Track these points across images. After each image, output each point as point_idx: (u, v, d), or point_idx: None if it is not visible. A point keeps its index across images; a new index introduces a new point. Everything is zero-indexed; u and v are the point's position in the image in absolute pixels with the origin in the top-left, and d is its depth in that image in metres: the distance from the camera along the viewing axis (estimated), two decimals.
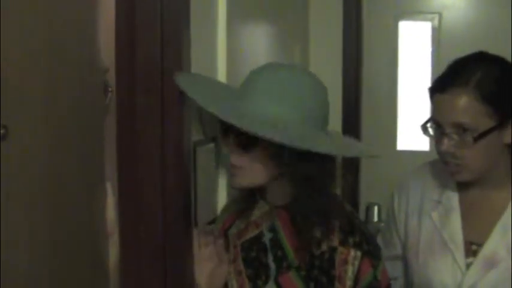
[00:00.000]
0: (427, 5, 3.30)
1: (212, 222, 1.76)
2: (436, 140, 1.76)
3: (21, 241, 1.20)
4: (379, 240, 2.06)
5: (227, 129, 1.51)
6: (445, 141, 1.71)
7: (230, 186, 1.63)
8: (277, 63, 1.62)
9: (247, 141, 1.49)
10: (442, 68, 1.82)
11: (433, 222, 1.85)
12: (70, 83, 1.34)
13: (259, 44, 2.15)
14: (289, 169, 1.50)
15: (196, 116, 1.61)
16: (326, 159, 1.51)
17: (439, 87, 1.74)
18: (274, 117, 1.45)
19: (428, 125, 1.79)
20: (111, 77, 1.48)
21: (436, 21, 3.26)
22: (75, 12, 1.39)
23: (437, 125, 1.74)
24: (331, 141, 1.55)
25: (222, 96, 1.55)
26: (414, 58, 3.30)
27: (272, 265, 1.58)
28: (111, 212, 1.55)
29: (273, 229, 1.60)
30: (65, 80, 1.33)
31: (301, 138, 1.44)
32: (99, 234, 1.48)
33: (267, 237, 1.60)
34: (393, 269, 1.96)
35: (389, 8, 3.30)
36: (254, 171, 1.53)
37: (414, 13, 3.31)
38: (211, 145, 1.72)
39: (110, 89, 1.56)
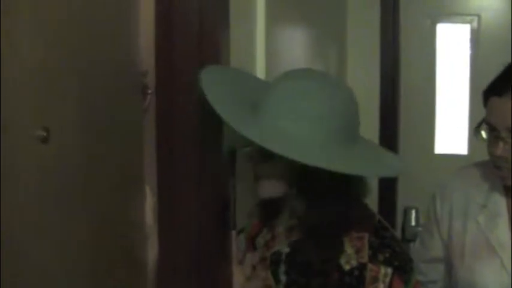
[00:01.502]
0: (465, 7, 3.26)
1: (241, 231, 1.75)
2: (489, 144, 1.72)
3: (61, 243, 1.21)
4: (418, 243, 2.04)
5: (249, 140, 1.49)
6: (500, 145, 1.68)
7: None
8: (297, 71, 1.57)
9: (264, 153, 1.47)
10: (481, 70, 1.80)
11: (479, 226, 1.82)
12: (107, 85, 1.34)
13: (297, 45, 2.14)
14: (301, 183, 1.48)
15: None
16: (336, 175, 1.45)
17: (496, 91, 1.70)
18: (291, 131, 1.42)
19: (481, 128, 1.76)
20: (151, 80, 1.48)
21: (475, 23, 3.22)
22: (113, 14, 1.40)
23: (491, 128, 1.71)
24: (356, 157, 1.49)
25: (243, 103, 1.50)
26: (452, 61, 3.27)
27: (283, 278, 1.55)
28: (149, 215, 1.55)
29: (298, 242, 1.58)
30: (102, 82, 1.33)
31: (322, 156, 1.41)
32: (137, 236, 1.48)
33: (285, 250, 1.58)
34: (433, 272, 1.94)
35: (427, 11, 3.26)
36: (272, 182, 1.52)
37: (452, 15, 3.27)
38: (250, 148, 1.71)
39: (149, 91, 1.56)
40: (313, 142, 1.42)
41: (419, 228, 2.69)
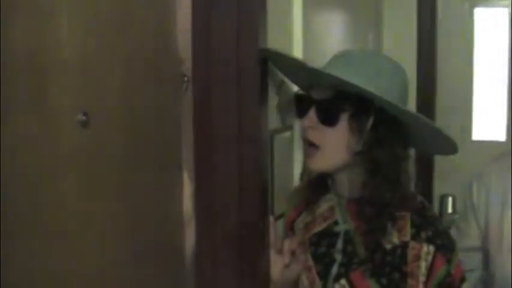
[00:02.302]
0: None
1: (280, 217, 1.73)
2: None
3: (101, 229, 1.20)
4: (454, 231, 2.01)
5: (309, 104, 1.47)
6: None
7: (306, 169, 1.58)
8: (357, 48, 1.59)
9: (330, 115, 1.45)
10: None
11: None
12: (147, 71, 1.34)
13: (334, 30, 2.12)
14: (368, 151, 1.46)
15: (274, 103, 1.59)
16: (401, 147, 1.48)
17: None
18: (373, 83, 1.42)
19: None
20: (187, 68, 1.47)
21: None
22: (152, 2, 1.39)
23: None
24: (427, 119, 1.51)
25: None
26: (490, 45, 3.21)
27: (338, 257, 1.54)
28: (187, 202, 1.54)
29: (345, 222, 1.57)
30: (142, 68, 1.32)
31: (411, 111, 1.44)
32: (176, 223, 1.47)
33: (342, 227, 1.56)
34: (470, 261, 1.92)
35: None
36: (333, 150, 1.48)
37: None
38: (288, 133, 1.70)
39: (186, 79, 1.55)
40: (394, 98, 1.43)
41: (456, 216, 2.66)
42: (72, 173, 1.12)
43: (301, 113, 1.49)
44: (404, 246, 1.47)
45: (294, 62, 1.37)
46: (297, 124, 1.55)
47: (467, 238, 1.95)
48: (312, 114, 1.47)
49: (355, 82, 1.38)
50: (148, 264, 1.35)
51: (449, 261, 1.47)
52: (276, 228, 1.57)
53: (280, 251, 1.54)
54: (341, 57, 1.50)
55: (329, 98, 1.43)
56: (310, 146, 1.49)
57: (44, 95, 1.07)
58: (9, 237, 1.03)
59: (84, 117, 1.12)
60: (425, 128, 1.50)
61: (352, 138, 1.45)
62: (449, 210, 3.04)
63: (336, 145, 1.48)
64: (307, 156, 1.51)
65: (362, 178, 1.50)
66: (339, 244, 1.55)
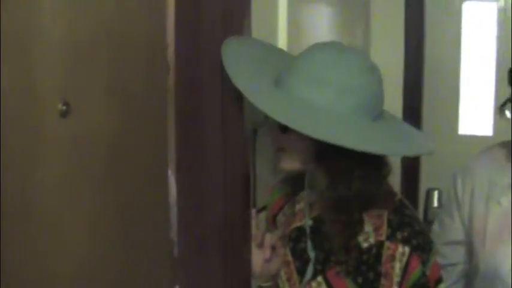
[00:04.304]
0: None
1: (262, 209, 1.73)
2: None
3: (86, 221, 1.19)
4: (437, 225, 2.01)
5: None
6: None
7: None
8: (325, 43, 1.54)
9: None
10: (508, 50, 1.76)
11: (502, 208, 1.79)
12: (137, 62, 1.32)
13: (320, 20, 2.11)
14: (325, 157, 1.46)
15: None
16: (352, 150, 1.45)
17: None
18: (314, 103, 1.39)
19: (506, 107, 1.72)
20: (171, 55, 1.46)
21: (501, 1, 3.16)
22: None
23: None
24: (378, 135, 1.47)
25: (265, 76, 1.47)
26: (478, 40, 3.21)
27: (312, 255, 1.53)
28: (173, 194, 1.53)
29: (319, 219, 1.56)
30: (132, 58, 1.30)
31: (339, 131, 1.39)
32: (165, 215, 1.45)
33: (308, 224, 1.55)
34: (453, 255, 1.92)
35: None
36: (293, 154, 1.50)
37: None
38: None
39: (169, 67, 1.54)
40: (334, 115, 1.39)
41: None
42: (52, 162, 1.11)
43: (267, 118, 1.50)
44: (379, 245, 1.46)
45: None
46: None
47: (450, 232, 1.95)
48: (271, 121, 1.48)
49: (308, 97, 1.40)
50: (138, 256, 1.34)
51: (424, 263, 1.46)
52: (257, 221, 1.56)
53: (261, 245, 1.54)
54: (297, 63, 1.46)
55: None
56: (276, 149, 1.53)
57: (26, 80, 1.05)
58: None
59: (64, 107, 1.11)
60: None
61: (306, 142, 1.44)
62: (435, 204, 3.03)
63: (295, 148, 1.50)
64: (275, 157, 1.55)
65: (325, 178, 1.50)
66: (308, 242, 1.54)
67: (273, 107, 1.37)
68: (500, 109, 1.74)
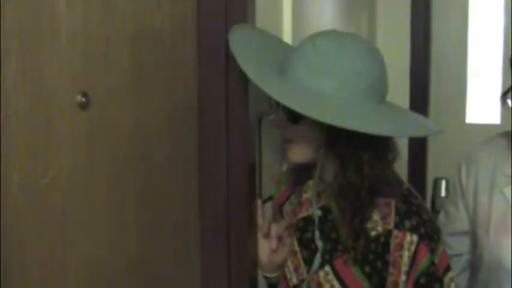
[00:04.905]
0: None
1: (269, 199, 1.73)
2: None
3: (104, 218, 1.19)
4: (443, 215, 2.00)
5: (278, 102, 1.47)
6: None
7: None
8: (329, 31, 1.54)
9: (292, 114, 1.44)
10: None
11: (506, 198, 1.78)
12: (157, 52, 1.31)
13: (326, 13, 2.10)
14: (331, 145, 1.46)
15: None
16: (374, 138, 1.44)
17: None
18: (320, 91, 1.39)
19: (508, 96, 1.72)
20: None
21: None
22: None
23: None
24: (385, 117, 1.47)
25: (270, 65, 1.48)
26: (485, 29, 3.19)
27: (320, 244, 1.53)
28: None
29: (326, 208, 1.56)
30: (151, 48, 1.29)
31: (346, 116, 1.38)
32: (185, 205, 1.45)
33: (316, 214, 1.55)
34: (458, 245, 1.91)
35: None
36: (303, 145, 1.50)
37: None
38: None
39: None
40: (340, 101, 1.39)
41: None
42: (69, 156, 1.10)
43: (274, 110, 1.51)
44: (387, 234, 1.46)
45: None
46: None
47: (455, 222, 1.94)
48: (280, 112, 1.49)
49: (313, 86, 1.39)
50: (158, 253, 1.34)
51: (432, 251, 1.45)
52: (263, 211, 1.56)
53: (267, 235, 1.54)
54: (300, 51, 1.45)
55: None
56: (285, 140, 1.52)
57: (38, 74, 1.04)
58: (5, 225, 1.00)
59: (83, 99, 1.10)
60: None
61: (317, 132, 1.45)
62: (443, 193, 3.02)
63: (305, 139, 1.50)
64: (284, 149, 1.55)
65: (335, 166, 1.50)
66: (316, 232, 1.54)
67: (284, 95, 1.37)
68: (501, 98, 1.73)
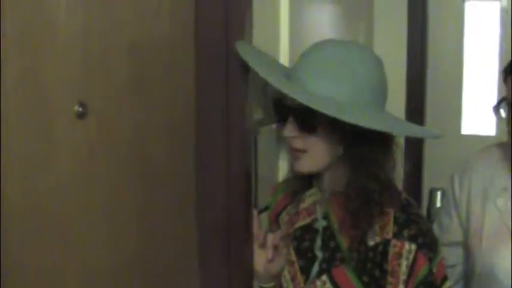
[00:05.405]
0: None
1: (265, 209, 1.72)
2: (508, 122, 1.69)
3: (105, 221, 1.18)
4: (436, 226, 2.00)
5: (286, 112, 1.46)
6: None
7: (293, 171, 1.57)
8: (330, 39, 1.55)
9: (307, 124, 1.44)
10: (510, 49, 1.75)
11: (499, 209, 1.78)
12: (157, 61, 1.30)
13: (323, 22, 2.10)
14: (350, 150, 1.46)
15: (259, 94, 1.57)
16: (386, 142, 1.47)
17: None
18: (335, 96, 1.40)
19: (501, 106, 1.72)
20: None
21: (504, 1, 3.15)
22: None
23: (510, 106, 1.67)
24: (395, 121, 1.50)
25: (280, 74, 1.49)
26: (481, 40, 3.20)
27: (319, 254, 1.53)
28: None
29: (326, 217, 1.56)
30: (152, 57, 1.28)
31: (373, 119, 1.41)
32: (183, 214, 1.44)
33: (321, 224, 1.55)
34: (451, 256, 1.91)
35: None
36: (318, 153, 1.48)
37: None
38: (273, 125, 1.68)
39: None
40: (357, 107, 1.41)
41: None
42: (67, 165, 1.09)
43: (281, 121, 1.50)
44: (386, 243, 1.46)
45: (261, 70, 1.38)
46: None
47: (449, 233, 1.94)
48: (290, 123, 1.47)
49: (327, 93, 1.40)
50: (157, 259, 1.33)
51: (431, 260, 1.46)
52: (259, 221, 1.56)
53: (263, 245, 1.53)
54: (311, 58, 1.46)
55: (303, 105, 1.39)
56: (295, 150, 1.50)
57: (37, 83, 1.03)
58: (5, 231, 1.00)
59: (80, 109, 1.09)
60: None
61: (335, 141, 1.46)
62: (438, 204, 3.02)
63: (320, 149, 1.48)
64: (293, 159, 1.52)
65: (347, 174, 1.50)
66: (318, 241, 1.54)
67: (322, 104, 1.36)
68: (494, 108, 1.74)
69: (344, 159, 1.49)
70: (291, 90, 1.36)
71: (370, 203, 1.47)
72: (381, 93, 1.48)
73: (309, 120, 1.42)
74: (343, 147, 1.47)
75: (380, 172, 1.48)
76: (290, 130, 1.48)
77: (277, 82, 1.35)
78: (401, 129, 1.54)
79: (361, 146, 1.45)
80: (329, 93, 1.40)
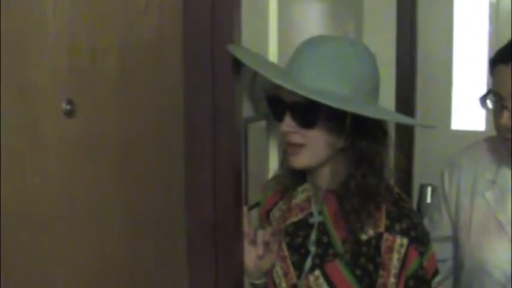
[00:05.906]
0: None
1: (255, 206, 1.73)
2: (495, 114, 1.70)
3: (93, 220, 1.19)
4: (427, 221, 2.02)
5: (283, 108, 1.47)
6: (505, 114, 1.65)
7: (288, 166, 1.57)
8: (322, 35, 1.57)
9: (306, 119, 1.45)
10: (499, 45, 1.76)
11: (487, 202, 1.79)
12: (146, 59, 1.31)
13: (312, 21, 2.11)
14: (350, 144, 1.48)
15: (247, 91, 1.58)
16: (380, 137, 1.49)
17: (503, 59, 1.67)
18: (334, 91, 1.41)
19: (488, 98, 1.73)
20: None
21: None
22: None
23: (497, 97, 1.68)
24: (390, 111, 1.53)
25: (280, 71, 1.51)
26: (470, 35, 3.21)
27: (313, 249, 1.54)
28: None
29: (320, 213, 1.57)
30: (140, 55, 1.29)
31: (379, 111, 1.46)
32: (171, 212, 1.45)
33: (316, 219, 1.56)
34: (442, 251, 1.92)
35: None
36: (317, 148, 1.48)
37: None
38: (263, 122, 1.69)
39: None
40: (355, 99, 1.43)
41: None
42: (54, 163, 1.09)
43: (277, 117, 1.49)
44: (378, 237, 1.47)
45: (258, 64, 1.39)
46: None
47: (439, 228, 1.95)
48: (288, 119, 1.47)
49: (325, 88, 1.41)
50: (145, 257, 1.33)
51: (422, 254, 1.47)
52: (249, 218, 1.56)
53: (253, 242, 1.54)
54: (307, 55, 1.47)
55: (301, 100, 1.41)
56: (293, 145, 1.50)
57: (24, 81, 1.03)
58: None
59: (68, 106, 1.09)
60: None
61: (334, 135, 1.47)
62: (429, 199, 3.04)
63: (319, 143, 1.48)
64: (290, 154, 1.51)
65: (346, 169, 1.50)
66: (313, 236, 1.55)
67: (326, 98, 1.37)
68: (481, 100, 1.74)
69: (343, 154, 1.50)
70: (294, 86, 1.36)
71: (368, 198, 1.48)
72: (375, 86, 1.50)
73: (307, 114, 1.43)
74: (343, 141, 1.48)
75: (380, 166, 1.50)
76: (288, 126, 1.47)
77: (280, 80, 1.37)
78: (404, 119, 1.62)
79: (360, 139, 1.47)
80: (326, 88, 1.41)
